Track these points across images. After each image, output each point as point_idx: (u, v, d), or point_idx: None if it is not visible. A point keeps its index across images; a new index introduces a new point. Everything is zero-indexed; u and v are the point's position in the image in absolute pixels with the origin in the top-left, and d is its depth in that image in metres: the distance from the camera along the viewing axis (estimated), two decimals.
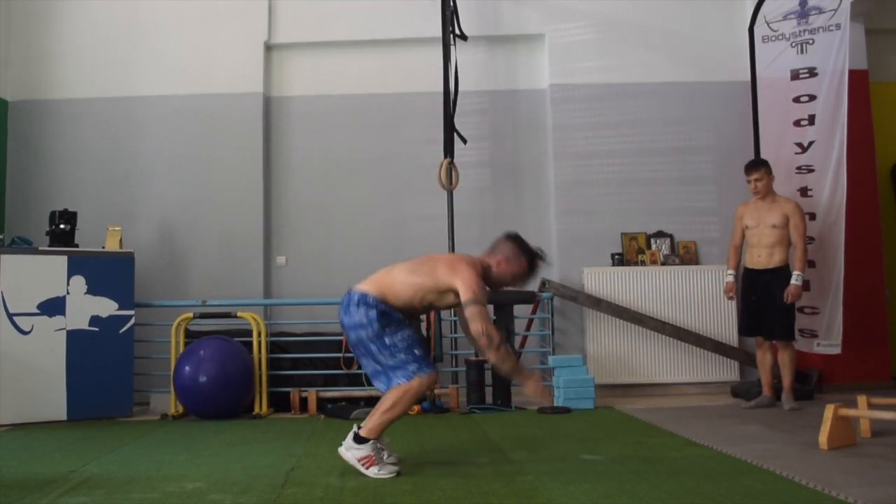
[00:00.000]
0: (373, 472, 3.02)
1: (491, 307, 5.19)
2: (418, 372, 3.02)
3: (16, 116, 5.97)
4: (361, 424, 3.12)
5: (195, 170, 5.93)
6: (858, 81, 5.60)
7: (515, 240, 3.21)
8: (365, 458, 3.04)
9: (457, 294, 3.05)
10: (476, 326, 2.95)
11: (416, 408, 4.92)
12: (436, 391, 5.06)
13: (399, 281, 3.13)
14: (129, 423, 4.76)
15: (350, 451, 3.07)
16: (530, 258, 3.18)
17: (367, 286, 3.15)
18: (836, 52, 5.31)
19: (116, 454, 3.68)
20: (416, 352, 3.05)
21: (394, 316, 3.08)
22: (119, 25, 6.02)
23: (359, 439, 3.06)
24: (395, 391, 3.04)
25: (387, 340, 3.05)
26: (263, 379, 5.06)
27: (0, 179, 5.86)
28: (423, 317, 5.23)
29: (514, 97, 6.14)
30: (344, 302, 3.19)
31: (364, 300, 3.09)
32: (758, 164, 5.00)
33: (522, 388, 3.00)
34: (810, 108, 5.42)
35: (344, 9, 6.06)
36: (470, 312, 2.97)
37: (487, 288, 3.16)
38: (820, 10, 5.43)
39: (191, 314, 5.14)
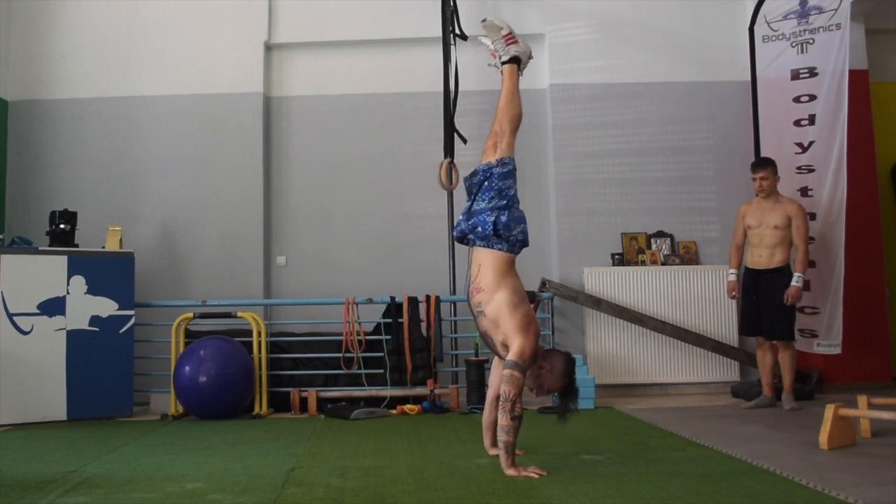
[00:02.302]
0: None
1: None
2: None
3: (16, 116, 5.97)
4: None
5: (195, 170, 5.93)
6: (859, 81, 5.60)
7: (569, 363, 3.22)
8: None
9: (504, 345, 3.10)
10: (507, 389, 2.98)
11: (416, 408, 4.93)
12: (436, 391, 5.07)
13: (494, 277, 3.17)
14: (129, 423, 4.76)
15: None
16: (567, 384, 3.20)
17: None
18: (837, 51, 5.31)
19: (116, 454, 3.68)
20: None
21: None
22: (119, 25, 6.03)
23: None
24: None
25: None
26: (263, 379, 5.06)
27: (0, 179, 5.86)
28: (423, 318, 5.25)
29: None
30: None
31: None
32: (765, 163, 5.00)
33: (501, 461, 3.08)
34: (810, 108, 5.42)
35: (344, 9, 6.06)
36: (509, 374, 3.00)
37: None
38: (820, 10, 5.43)
39: (191, 314, 5.14)
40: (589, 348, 5.71)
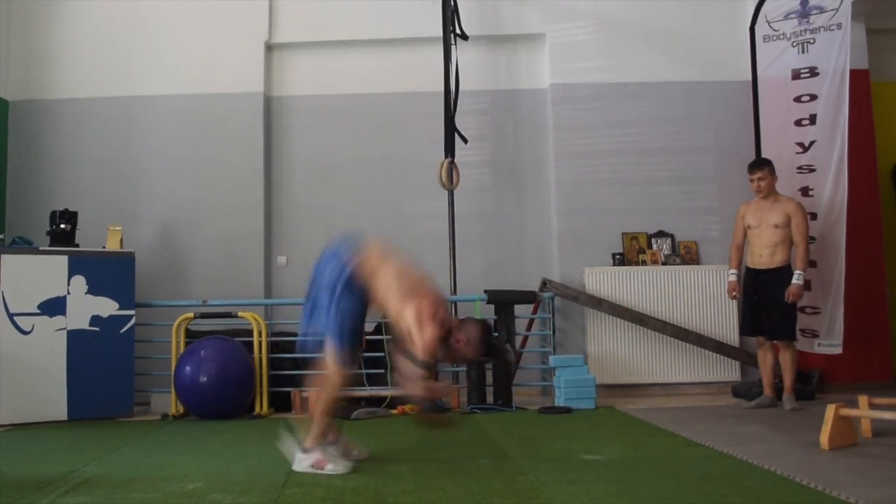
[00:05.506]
0: (329, 469, 3.12)
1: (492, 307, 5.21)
2: (337, 345, 3.15)
3: (16, 116, 5.97)
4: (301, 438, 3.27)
5: (195, 170, 5.93)
6: (859, 81, 5.60)
7: (483, 329, 3.25)
8: (315, 462, 3.15)
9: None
10: (412, 388, 3.04)
11: (416, 408, 4.92)
12: None
13: (382, 283, 3.18)
14: (129, 423, 4.75)
15: (301, 464, 3.18)
16: (486, 351, 3.28)
17: (357, 265, 3.21)
18: (838, 51, 5.31)
19: (117, 454, 3.68)
20: (345, 326, 3.17)
21: (356, 292, 3.20)
22: (119, 25, 6.03)
23: (305, 451, 3.20)
24: (315, 395, 3.27)
25: (340, 304, 3.16)
26: (264, 379, 5.06)
27: (0, 179, 5.86)
28: None
29: (515, 97, 6.14)
30: (334, 246, 3.32)
31: (344, 271, 3.20)
32: (761, 164, 4.99)
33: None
34: (811, 108, 5.42)
35: (344, 9, 6.06)
36: (414, 373, 3.03)
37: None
38: (821, 10, 5.43)
39: (191, 314, 5.14)
40: (590, 348, 5.71)
